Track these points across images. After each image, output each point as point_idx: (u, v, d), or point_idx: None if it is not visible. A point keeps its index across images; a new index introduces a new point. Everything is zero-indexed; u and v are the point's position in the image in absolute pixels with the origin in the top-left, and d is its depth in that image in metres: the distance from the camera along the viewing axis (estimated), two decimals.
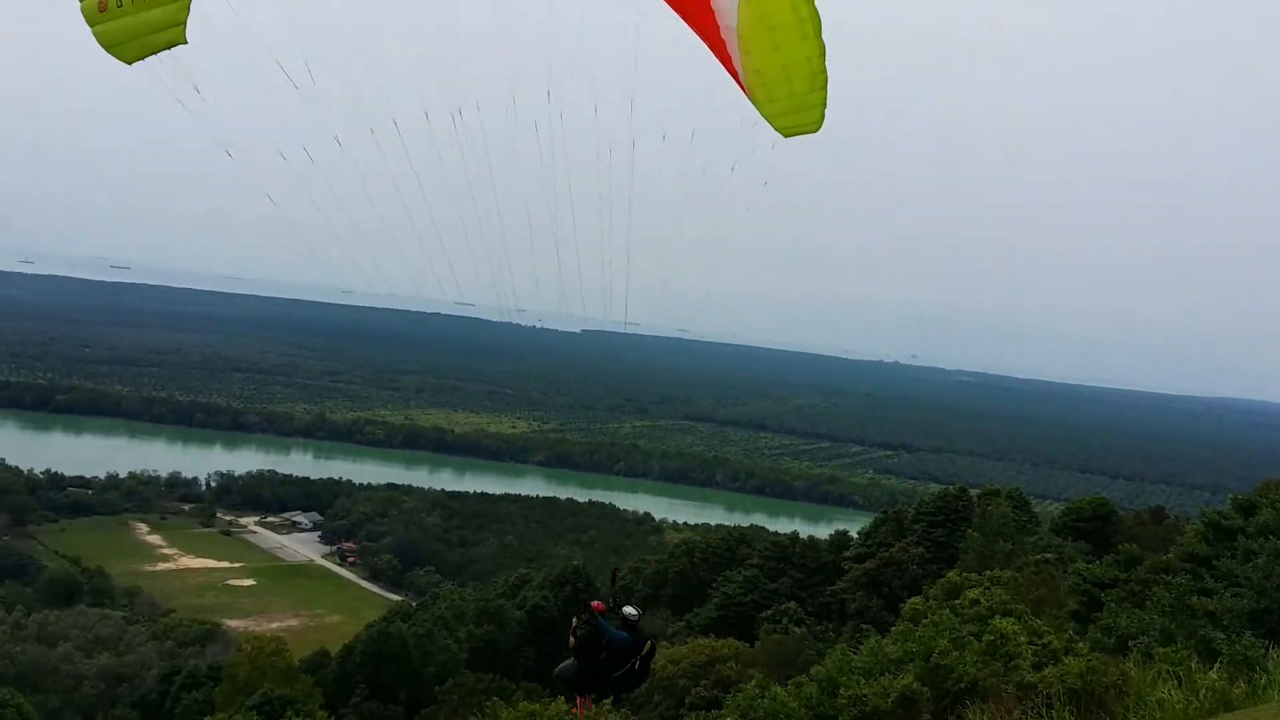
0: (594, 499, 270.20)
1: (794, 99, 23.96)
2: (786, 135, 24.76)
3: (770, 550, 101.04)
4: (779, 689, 27.06)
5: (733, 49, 23.21)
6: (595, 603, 21.66)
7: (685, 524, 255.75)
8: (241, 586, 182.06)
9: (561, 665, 22.09)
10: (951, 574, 56.82)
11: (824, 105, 24.10)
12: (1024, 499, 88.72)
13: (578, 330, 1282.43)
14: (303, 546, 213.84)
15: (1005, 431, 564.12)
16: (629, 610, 21.62)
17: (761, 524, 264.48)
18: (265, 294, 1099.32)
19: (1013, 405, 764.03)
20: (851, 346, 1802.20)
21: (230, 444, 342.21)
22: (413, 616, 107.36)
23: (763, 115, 24.34)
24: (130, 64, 19.85)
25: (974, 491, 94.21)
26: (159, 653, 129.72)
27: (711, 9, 22.63)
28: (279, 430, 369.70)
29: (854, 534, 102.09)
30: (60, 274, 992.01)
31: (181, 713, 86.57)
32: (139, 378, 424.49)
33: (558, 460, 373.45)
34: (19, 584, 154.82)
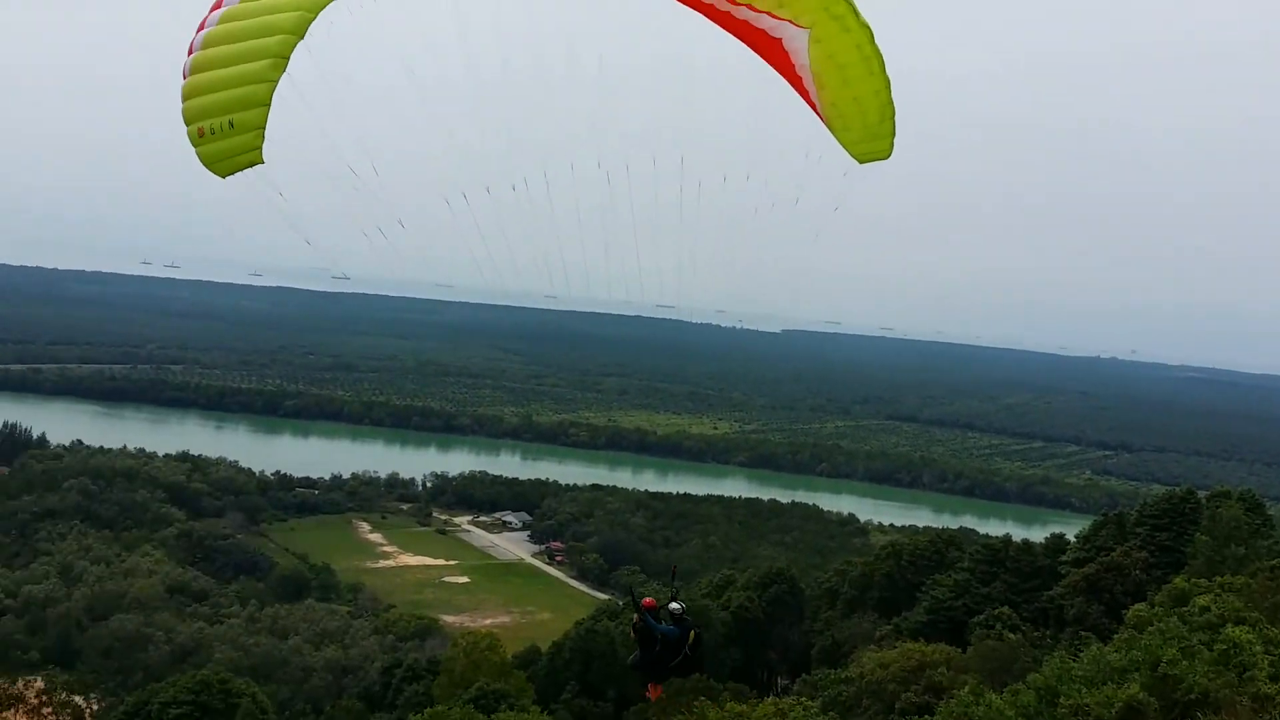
0: (797, 500, 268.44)
1: (867, 129, 26.67)
2: (862, 162, 27.46)
3: (982, 553, 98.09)
4: (994, 696, 26.38)
5: (809, 85, 26.00)
6: (647, 599, 24.78)
7: (891, 526, 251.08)
8: (456, 584, 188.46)
9: (632, 656, 25.71)
10: (1178, 580, 54.00)
11: (893, 134, 27.01)
12: (1257, 501, 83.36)
13: (778, 330, 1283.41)
14: (513, 545, 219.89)
15: (1235, 430, 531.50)
16: (673, 605, 24.95)
17: (971, 526, 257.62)
18: (474, 300, 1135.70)
19: (1243, 402, 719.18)
20: (1066, 343, 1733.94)
21: (444, 445, 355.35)
22: (620, 615, 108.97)
23: (840, 144, 27.04)
24: (224, 179, 24.57)
25: (1202, 493, 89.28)
26: (381, 646, 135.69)
27: (786, 51, 25.48)
28: (489, 432, 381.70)
29: (1071, 537, 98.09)
30: (286, 285, 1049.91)
31: (403, 704, 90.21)
32: (359, 383, 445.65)
33: (760, 461, 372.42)
34: (253, 579, 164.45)
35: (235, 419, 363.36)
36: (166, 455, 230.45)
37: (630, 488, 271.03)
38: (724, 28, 25.74)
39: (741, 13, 24.76)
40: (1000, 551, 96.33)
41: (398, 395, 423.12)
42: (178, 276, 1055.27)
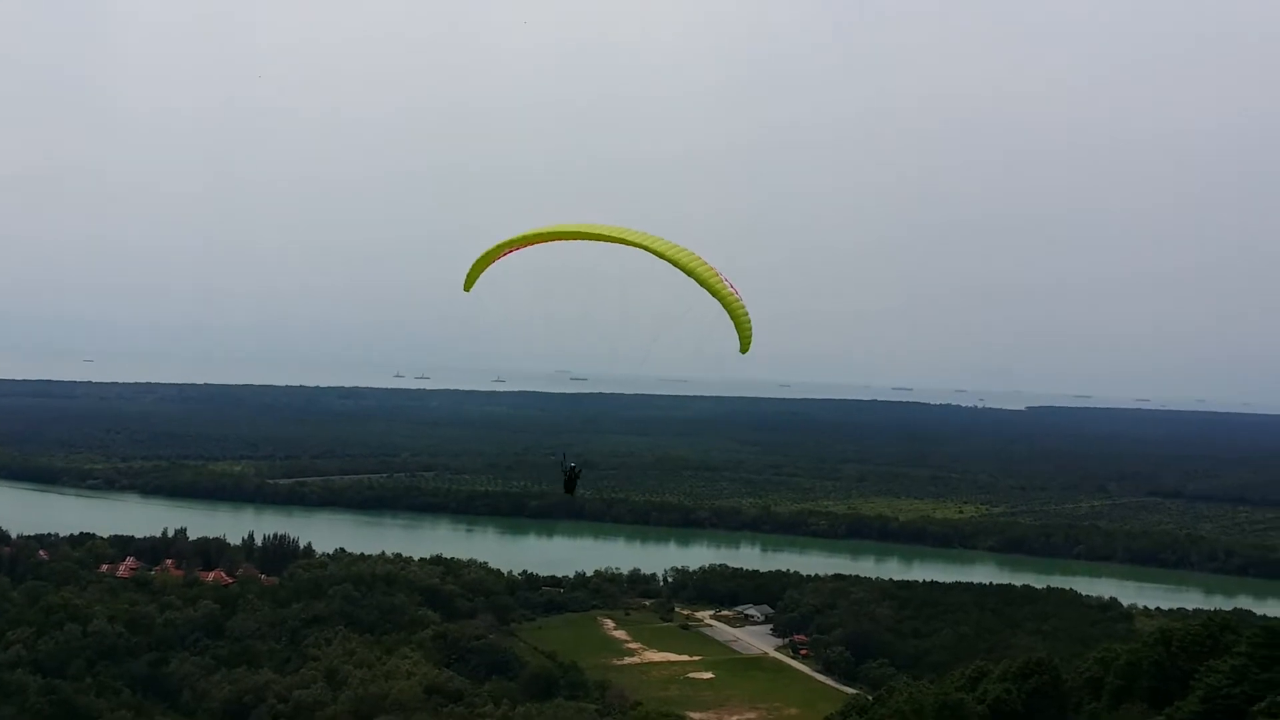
0: (1052, 585, 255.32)
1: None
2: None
3: (1261, 635, 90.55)
4: None
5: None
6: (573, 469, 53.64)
7: (1158, 610, 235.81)
8: (701, 679, 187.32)
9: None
10: None
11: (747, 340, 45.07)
12: None
13: (1022, 407, 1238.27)
14: (756, 639, 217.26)
15: None
16: (571, 464, 53.40)
17: (1247, 607, 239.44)
18: (709, 394, 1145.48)
19: None
20: None
21: (683, 540, 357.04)
22: (869, 710, 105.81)
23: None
24: (467, 291, 48.33)
25: None
26: None
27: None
28: (727, 524, 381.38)
29: None
30: (528, 389, 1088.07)
31: None
32: (600, 481, 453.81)
33: (1010, 545, 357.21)
34: (504, 679, 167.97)
35: (484, 521, 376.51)
36: (421, 559, 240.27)
37: (874, 576, 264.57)
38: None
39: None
40: None
41: (637, 491, 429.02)
42: (428, 387, 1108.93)
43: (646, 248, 42.28)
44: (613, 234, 42.67)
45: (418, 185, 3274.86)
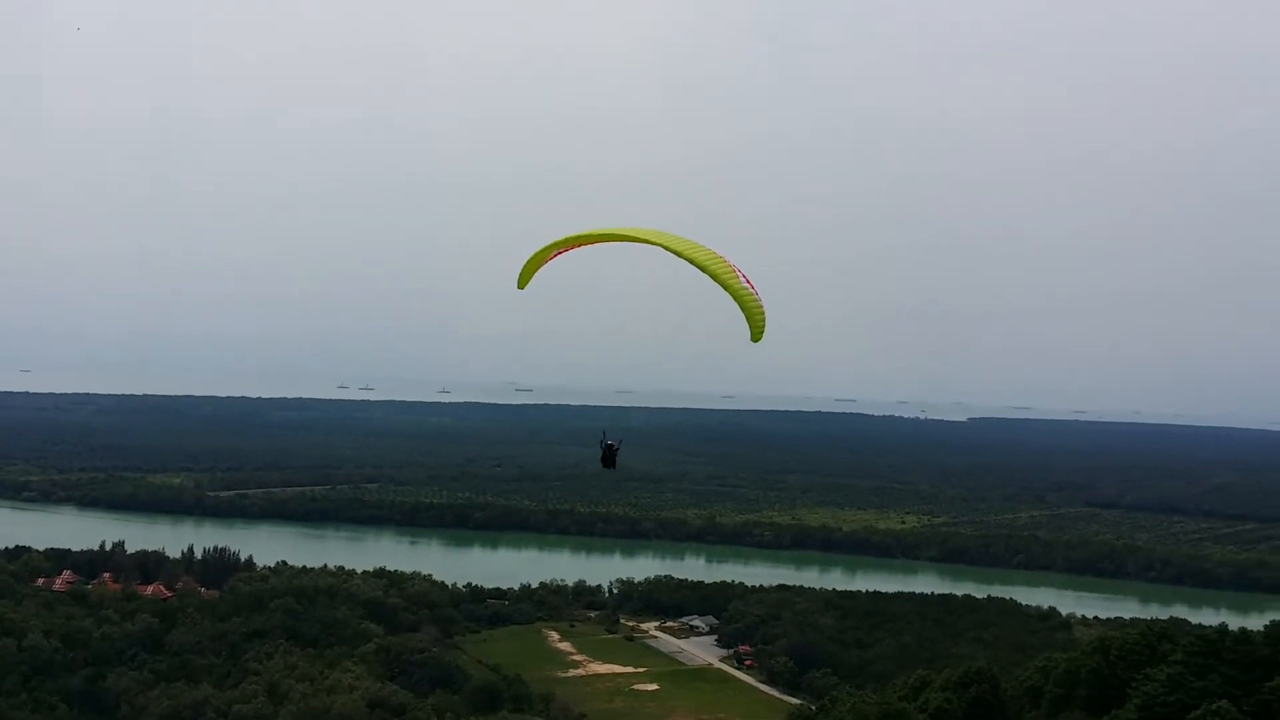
0: (993, 594, 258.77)
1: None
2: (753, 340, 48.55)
3: (1196, 644, 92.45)
4: None
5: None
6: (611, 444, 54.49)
7: (1095, 618, 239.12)
8: (646, 691, 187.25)
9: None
10: None
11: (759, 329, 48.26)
12: None
13: (963, 419, 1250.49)
14: (701, 650, 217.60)
15: None
16: (610, 442, 58.41)
17: (1183, 616, 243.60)
18: (654, 405, 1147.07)
19: None
20: (1276, 417, 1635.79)
21: (629, 551, 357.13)
22: (814, 718, 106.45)
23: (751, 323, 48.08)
24: (522, 289, 51.40)
25: None
26: None
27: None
28: (672, 536, 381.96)
29: None
30: (473, 400, 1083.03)
31: None
32: (545, 492, 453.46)
33: (951, 555, 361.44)
34: (448, 692, 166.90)
35: (428, 533, 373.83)
36: (364, 572, 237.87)
37: (818, 587, 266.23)
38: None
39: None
40: (1216, 642, 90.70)
41: (582, 503, 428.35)
42: (372, 398, 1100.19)
43: (679, 253, 46.26)
44: (660, 240, 46.56)
45: (363, 195, 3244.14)
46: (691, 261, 45.78)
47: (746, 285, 46.68)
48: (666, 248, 46.01)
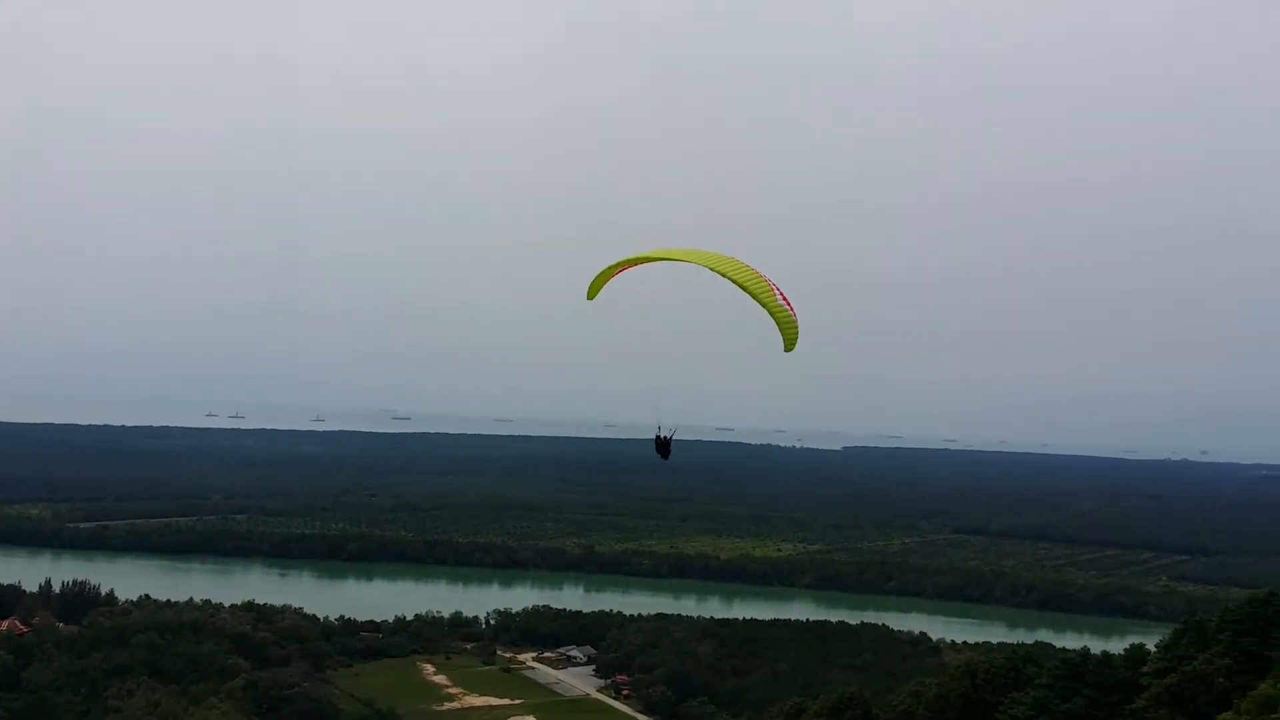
0: (866, 620, 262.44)
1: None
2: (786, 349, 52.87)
3: (1060, 668, 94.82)
4: None
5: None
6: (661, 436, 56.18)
7: (964, 643, 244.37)
8: None
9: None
10: (1265, 686, 51.89)
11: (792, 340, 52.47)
12: None
13: (838, 448, 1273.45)
14: (578, 681, 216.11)
15: None
16: (663, 433, 58.31)
17: (1047, 640, 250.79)
18: (533, 433, 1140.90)
19: None
20: (1134, 446, 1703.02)
21: (506, 581, 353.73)
22: None
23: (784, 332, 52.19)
24: (591, 300, 54.43)
25: None
26: None
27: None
28: (551, 565, 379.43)
29: (1151, 647, 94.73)
30: (349, 429, 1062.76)
31: None
32: (422, 522, 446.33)
33: (826, 582, 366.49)
34: None
35: (299, 565, 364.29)
36: (232, 606, 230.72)
37: (696, 615, 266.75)
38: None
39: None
40: (1079, 665, 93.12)
41: (460, 533, 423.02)
42: (242, 426, 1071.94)
43: (724, 273, 50.52)
44: (707, 261, 50.60)
45: (235, 206, 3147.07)
46: (735, 281, 50.28)
47: (783, 302, 51.12)
48: (713, 268, 50.44)
